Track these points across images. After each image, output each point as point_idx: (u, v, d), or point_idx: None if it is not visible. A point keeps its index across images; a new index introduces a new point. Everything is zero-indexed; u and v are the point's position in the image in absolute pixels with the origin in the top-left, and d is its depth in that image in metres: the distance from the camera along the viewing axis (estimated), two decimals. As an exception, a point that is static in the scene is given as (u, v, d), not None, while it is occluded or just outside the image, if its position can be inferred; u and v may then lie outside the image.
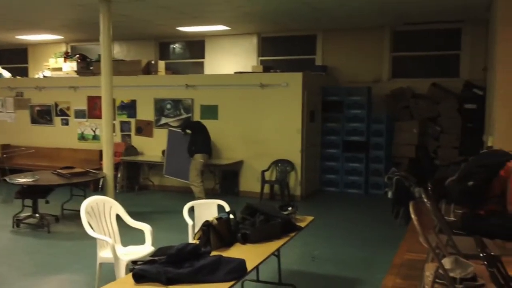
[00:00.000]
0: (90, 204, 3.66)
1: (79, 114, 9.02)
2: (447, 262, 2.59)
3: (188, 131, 7.20)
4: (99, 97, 6.37)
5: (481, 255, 2.39)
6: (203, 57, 10.04)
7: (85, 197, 4.16)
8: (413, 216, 2.59)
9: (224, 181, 8.01)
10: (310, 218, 3.74)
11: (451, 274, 2.50)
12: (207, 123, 7.45)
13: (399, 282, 3.88)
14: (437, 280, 2.53)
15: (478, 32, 7.92)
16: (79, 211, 3.58)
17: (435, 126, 8.18)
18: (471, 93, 7.85)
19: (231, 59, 9.62)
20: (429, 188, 3.68)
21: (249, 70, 8.65)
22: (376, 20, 8.10)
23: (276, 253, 3.59)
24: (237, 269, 2.58)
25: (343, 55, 8.88)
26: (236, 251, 2.94)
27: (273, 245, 3.13)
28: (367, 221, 6.41)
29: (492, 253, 3.12)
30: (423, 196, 3.19)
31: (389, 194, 6.61)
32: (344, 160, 8.18)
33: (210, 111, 8.00)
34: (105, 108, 6.22)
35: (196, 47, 10.14)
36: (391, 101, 8.43)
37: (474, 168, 3.53)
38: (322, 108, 8.23)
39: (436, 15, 7.64)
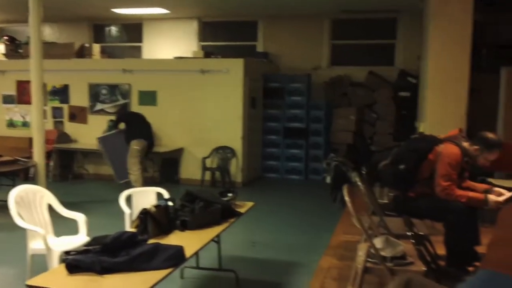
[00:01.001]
0: (19, 194, 3.50)
1: (8, 99, 8.57)
2: (378, 242, 2.69)
3: (122, 125, 7.03)
4: (29, 82, 6.07)
5: (409, 234, 2.51)
6: (141, 41, 9.79)
7: (13, 186, 3.98)
8: (347, 198, 2.67)
9: (164, 169, 7.91)
10: (250, 204, 3.77)
11: (382, 253, 2.61)
12: (146, 109, 7.30)
13: (335, 263, 4.01)
14: (369, 259, 2.63)
15: (412, 22, 8.19)
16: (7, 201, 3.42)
17: (372, 113, 8.44)
18: (405, 81, 8.15)
19: (170, 43, 9.45)
20: (364, 173, 3.80)
21: (190, 55, 8.54)
22: (316, 8, 8.21)
23: (216, 239, 3.60)
24: (175, 256, 2.55)
25: (284, 42, 8.94)
26: (175, 238, 2.91)
27: (212, 231, 3.13)
28: (306, 206, 6.55)
29: (421, 233, 3.29)
30: (357, 180, 3.30)
31: (328, 179, 6.78)
32: (284, 146, 8.29)
33: (149, 97, 7.84)
34: (35, 93, 5.92)
35: (134, 30, 9.87)
36: (330, 88, 8.60)
37: (405, 152, 3.67)
38: (263, 95, 8.28)
39: (373, 4, 7.84)
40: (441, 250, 3.63)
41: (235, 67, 7.49)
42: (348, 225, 4.55)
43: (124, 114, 7.51)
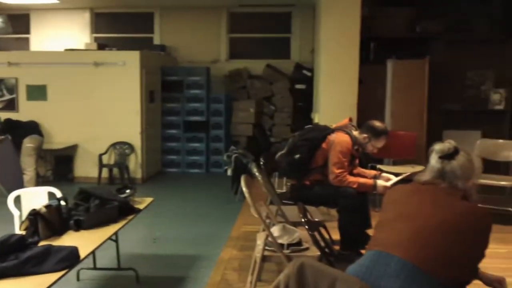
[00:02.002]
0: None
1: None
2: (275, 230, 2.76)
3: (2, 136, 6.49)
4: None
5: (303, 221, 2.60)
6: (28, 33, 9.12)
7: None
8: (244, 189, 2.70)
9: (57, 167, 7.48)
10: (149, 199, 3.67)
11: (279, 241, 2.68)
12: (35, 104, 6.83)
13: (235, 254, 4.05)
14: (267, 248, 2.68)
15: (306, 16, 8.47)
16: None
17: (270, 105, 8.63)
18: (301, 74, 8.43)
19: (61, 35, 8.90)
20: (262, 163, 3.88)
21: (82, 47, 8.12)
22: (213, 1, 8.19)
23: (114, 238, 3.47)
24: (69, 258, 2.43)
25: (182, 35, 8.82)
26: (69, 239, 2.77)
27: (109, 230, 3.01)
28: (208, 199, 6.55)
29: (316, 219, 3.43)
30: (254, 170, 3.35)
31: (229, 172, 6.86)
32: (185, 140, 8.21)
33: (38, 92, 7.34)
34: None
35: (20, 21, 9.16)
36: (229, 81, 8.66)
37: (299, 142, 3.81)
38: (161, 88, 8.12)
39: (268, -2, 8.00)
40: (336, 235, 3.83)
41: (131, 59, 7.25)
42: (248, 216, 4.62)
43: (3, 125, 6.83)
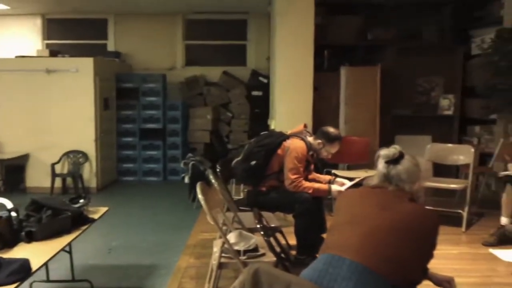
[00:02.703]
0: None
1: None
2: (232, 237, 2.77)
3: None
4: None
5: (258, 226, 2.62)
6: (-24, 39, 8.80)
7: None
8: (200, 196, 2.70)
9: (8, 177, 7.20)
10: (104, 209, 3.60)
11: (236, 247, 2.69)
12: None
13: (192, 262, 4.03)
14: (223, 255, 2.68)
15: (261, 24, 8.55)
16: None
17: (227, 112, 8.65)
18: (258, 81, 8.49)
19: (11, 42, 8.63)
20: (218, 170, 3.88)
21: (34, 54, 7.89)
22: (168, 7, 8.15)
23: (67, 249, 3.38)
24: (20, 270, 2.35)
25: (137, 41, 8.72)
26: (21, 251, 2.68)
27: (62, 241, 2.93)
28: (165, 208, 6.48)
29: (272, 225, 3.46)
30: (211, 177, 3.35)
31: (186, 179, 6.81)
32: (141, 148, 8.10)
33: (-14, 100, 7.09)
34: None
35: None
36: (186, 88, 8.62)
37: (255, 148, 3.83)
38: (116, 96, 7.99)
39: (223, 6, 8.02)
40: (293, 240, 3.87)
41: (85, 66, 7.10)
42: (206, 224, 4.60)
43: None
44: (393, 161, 2.10)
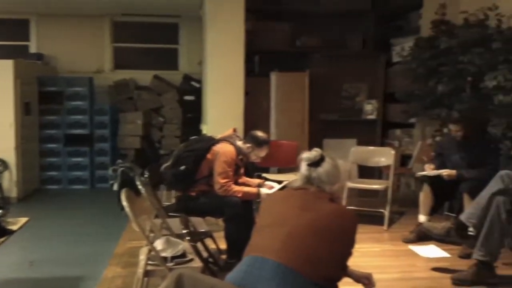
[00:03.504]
0: None
1: None
2: (159, 244, 2.73)
3: None
4: None
5: (184, 232, 2.61)
6: None
7: None
8: (125, 203, 2.65)
9: None
10: (24, 219, 3.43)
11: (163, 254, 2.66)
12: None
13: (119, 271, 3.93)
14: (149, 262, 2.65)
15: (193, 28, 8.49)
16: None
17: (159, 117, 8.52)
18: (190, 85, 8.45)
19: None
20: (146, 176, 3.82)
21: None
22: (94, 8, 7.92)
23: (-17, 263, 3.20)
24: None
25: (62, 43, 8.39)
26: None
27: (-23, 254, 2.77)
28: (93, 216, 6.27)
29: (202, 230, 3.46)
30: (138, 183, 3.30)
31: (115, 187, 6.61)
32: (66, 155, 7.79)
33: None
34: None
35: None
36: (114, 92, 8.40)
37: (184, 153, 3.82)
38: (39, 100, 7.64)
39: (153, 9, 7.91)
40: (224, 245, 3.88)
41: (4, 69, 6.72)
42: (134, 232, 4.47)
43: None
44: (314, 163, 2.19)
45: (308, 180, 2.18)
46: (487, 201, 3.65)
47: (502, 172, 3.73)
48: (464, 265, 3.91)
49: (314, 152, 2.23)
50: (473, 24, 5.37)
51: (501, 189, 3.63)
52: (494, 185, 3.69)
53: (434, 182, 4.53)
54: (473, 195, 4.00)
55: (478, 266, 3.65)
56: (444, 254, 4.37)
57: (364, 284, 2.30)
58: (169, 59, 8.90)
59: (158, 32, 8.86)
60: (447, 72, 5.31)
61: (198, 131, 7.49)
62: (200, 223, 3.61)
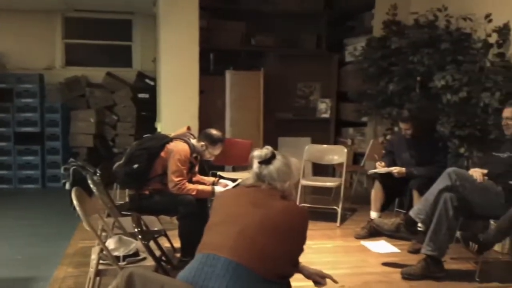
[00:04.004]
0: None
1: None
2: (111, 243, 2.70)
3: None
4: None
5: (136, 231, 2.60)
6: None
7: None
8: (75, 202, 2.60)
9: None
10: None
11: (115, 253, 2.63)
12: None
13: (71, 271, 3.85)
14: (101, 261, 2.61)
15: (147, 25, 8.38)
16: None
17: (112, 115, 8.36)
18: (144, 83, 8.32)
19: None
20: (98, 174, 3.76)
21: None
22: (45, 4, 7.69)
23: None
24: None
25: (11, 39, 8.08)
26: None
27: None
28: (44, 216, 6.09)
29: (155, 229, 3.44)
30: (90, 182, 3.25)
31: (67, 186, 6.45)
32: (16, 153, 7.53)
33: None
34: None
35: None
36: (66, 89, 8.18)
37: (137, 151, 3.78)
38: (-14, 97, 7.36)
39: (106, 5, 7.76)
40: (178, 243, 3.87)
41: None
42: (86, 231, 4.39)
43: None
44: (265, 161, 2.21)
45: (259, 177, 2.21)
46: (435, 197, 3.80)
47: (450, 170, 3.89)
48: (413, 260, 4.04)
49: (265, 150, 2.26)
50: (423, 25, 5.55)
51: (449, 185, 3.78)
52: (441, 182, 3.84)
53: (385, 179, 4.65)
54: (422, 192, 4.14)
55: (427, 260, 3.79)
56: (395, 249, 4.50)
57: (315, 280, 2.34)
58: (122, 56, 8.74)
59: (111, 28, 8.68)
60: (398, 72, 5.48)
61: (153, 129, 7.41)
62: (153, 222, 3.59)
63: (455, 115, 4.75)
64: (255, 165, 2.23)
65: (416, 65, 5.22)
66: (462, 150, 4.97)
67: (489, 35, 4.88)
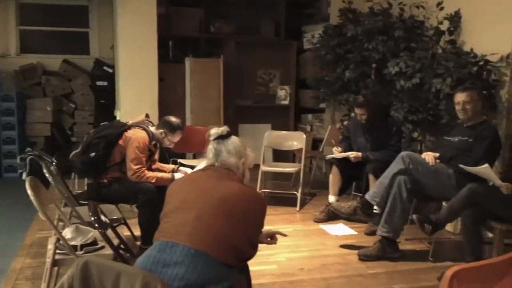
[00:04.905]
0: None
1: None
2: (68, 232, 2.69)
3: None
4: None
5: (92, 220, 2.59)
6: None
7: None
8: (29, 192, 2.57)
9: None
10: None
11: (72, 243, 2.63)
12: None
13: (28, 262, 3.80)
14: (58, 251, 2.60)
15: (104, 11, 8.20)
16: None
17: (70, 103, 8.18)
18: (102, 70, 8.16)
19: None
20: (54, 164, 3.70)
21: None
22: (-4, -11, 7.43)
23: None
24: None
25: (-39, 26, 7.79)
26: None
27: None
28: (1, 207, 5.95)
29: (114, 217, 3.43)
30: (46, 172, 3.20)
31: (24, 176, 6.31)
32: (-30, 144, 7.30)
33: None
34: None
35: None
36: (21, 77, 7.94)
37: (94, 140, 3.74)
38: None
39: (61, -10, 7.56)
40: (138, 231, 3.87)
41: None
42: (44, 222, 4.34)
43: None
44: (222, 137, 2.26)
45: (216, 153, 2.24)
46: (390, 180, 3.93)
47: (403, 153, 4.02)
48: (370, 241, 4.18)
49: (222, 128, 2.31)
50: (377, 12, 5.66)
51: (402, 169, 3.92)
52: (395, 165, 3.97)
53: (342, 164, 4.77)
54: (377, 175, 4.27)
55: (382, 242, 3.93)
56: (352, 231, 4.65)
57: (267, 243, 2.40)
58: (79, 43, 8.53)
59: (68, 15, 8.45)
60: (354, 59, 5.59)
61: (112, 118, 7.30)
62: (113, 210, 3.57)
63: (409, 100, 4.89)
64: (212, 143, 2.27)
65: (371, 52, 5.34)
66: (415, 134, 5.15)
67: (441, 23, 5.03)
